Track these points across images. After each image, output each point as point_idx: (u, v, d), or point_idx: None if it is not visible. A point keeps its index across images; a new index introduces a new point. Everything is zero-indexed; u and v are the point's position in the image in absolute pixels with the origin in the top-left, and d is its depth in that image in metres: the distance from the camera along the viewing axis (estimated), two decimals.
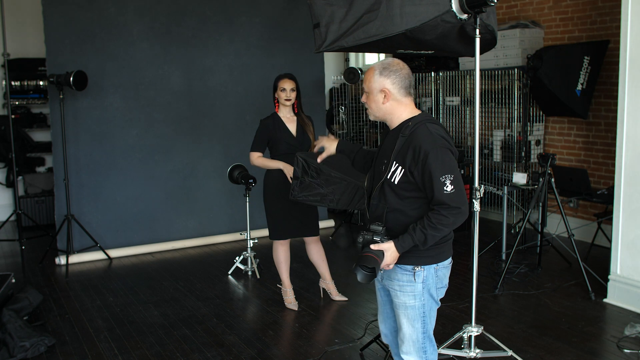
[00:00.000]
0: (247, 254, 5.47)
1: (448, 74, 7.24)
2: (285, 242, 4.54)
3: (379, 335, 3.81)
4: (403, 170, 2.42)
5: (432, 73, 7.40)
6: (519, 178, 5.57)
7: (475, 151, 3.49)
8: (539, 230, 5.53)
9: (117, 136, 6.07)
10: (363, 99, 2.58)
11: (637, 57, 4.23)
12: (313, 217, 4.49)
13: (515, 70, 6.35)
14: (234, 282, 5.28)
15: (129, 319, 4.42)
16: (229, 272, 5.45)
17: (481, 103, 6.76)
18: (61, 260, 5.75)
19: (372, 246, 2.39)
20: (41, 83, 7.58)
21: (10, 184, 7.55)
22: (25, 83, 7.56)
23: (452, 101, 7.23)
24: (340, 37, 3.22)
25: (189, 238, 6.46)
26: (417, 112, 2.54)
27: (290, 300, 4.61)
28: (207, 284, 5.18)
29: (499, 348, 3.55)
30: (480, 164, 6.73)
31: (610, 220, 4.77)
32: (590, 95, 5.91)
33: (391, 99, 2.49)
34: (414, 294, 2.52)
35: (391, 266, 2.46)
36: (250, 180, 5.22)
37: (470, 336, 3.55)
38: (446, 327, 4.02)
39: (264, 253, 5.80)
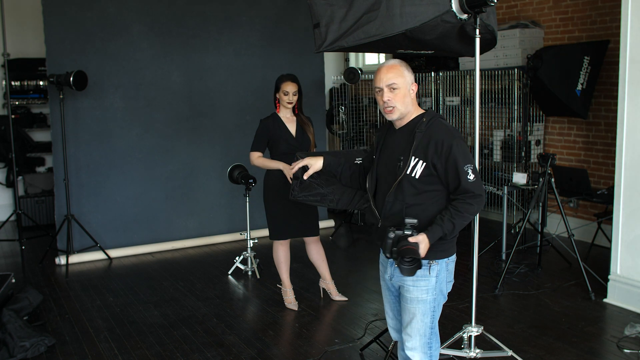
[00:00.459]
0: (247, 254, 5.47)
1: (448, 74, 7.24)
2: (285, 242, 4.54)
3: (379, 335, 3.81)
4: (425, 164, 2.48)
5: (432, 73, 7.40)
6: (519, 178, 5.57)
7: (475, 151, 3.50)
8: (539, 230, 5.53)
9: (117, 136, 6.07)
10: (387, 97, 2.53)
11: (637, 57, 4.23)
12: (313, 217, 4.49)
13: (515, 70, 6.35)
14: (234, 282, 5.28)
15: (129, 319, 4.42)
16: (229, 272, 5.45)
17: (481, 103, 6.76)
18: (61, 260, 5.75)
19: (410, 239, 2.41)
20: (41, 83, 7.58)
21: (10, 184, 7.55)
22: (25, 83, 7.55)
23: (452, 101, 7.23)
24: (340, 37, 3.22)
25: (189, 238, 6.46)
26: (420, 109, 2.62)
27: (290, 300, 4.61)
28: (207, 284, 5.18)
29: (499, 348, 3.55)
30: (480, 164, 6.72)
31: (610, 220, 4.77)
32: (590, 95, 5.91)
33: (414, 94, 2.59)
34: (427, 288, 2.58)
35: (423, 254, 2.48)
36: (250, 180, 5.22)
37: (470, 336, 3.55)
38: (446, 327, 4.02)
39: (264, 253, 5.81)
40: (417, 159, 2.49)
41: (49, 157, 7.33)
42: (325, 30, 3.25)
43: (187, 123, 6.39)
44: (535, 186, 5.23)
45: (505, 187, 5.65)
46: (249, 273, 5.43)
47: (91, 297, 4.90)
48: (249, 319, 4.48)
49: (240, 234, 5.84)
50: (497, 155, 6.69)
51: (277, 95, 4.40)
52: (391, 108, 2.55)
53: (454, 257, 2.66)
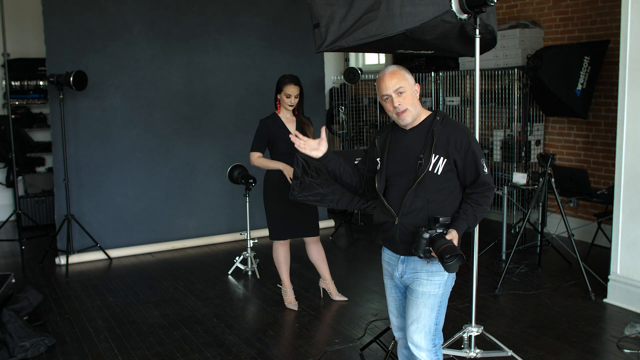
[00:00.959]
0: (247, 254, 5.47)
1: (448, 74, 7.24)
2: (285, 242, 4.54)
3: (379, 335, 3.82)
4: (445, 160, 2.57)
5: (432, 73, 7.40)
6: (519, 178, 5.57)
7: None
8: (539, 230, 5.53)
9: (117, 136, 6.07)
10: (397, 102, 2.58)
11: (637, 57, 4.23)
12: (313, 217, 4.49)
13: (515, 70, 6.35)
14: (234, 282, 5.28)
15: (129, 319, 4.42)
16: (229, 272, 5.45)
17: (481, 103, 6.76)
18: (61, 260, 5.75)
19: (447, 236, 2.46)
20: (41, 83, 7.57)
21: (10, 184, 7.55)
22: (25, 83, 7.55)
23: (452, 101, 7.23)
24: (340, 37, 3.22)
25: (189, 238, 6.46)
26: (426, 110, 2.72)
27: (290, 300, 4.61)
28: (207, 284, 5.18)
29: (499, 348, 3.55)
30: None
31: (610, 220, 4.77)
32: (590, 95, 5.91)
33: (418, 95, 2.67)
34: (440, 283, 2.64)
35: None
36: (250, 180, 5.22)
37: (470, 336, 3.55)
38: (446, 327, 4.00)
39: (264, 253, 5.81)
40: (437, 156, 2.58)
41: (49, 157, 7.33)
42: (325, 30, 3.25)
43: (187, 123, 6.39)
44: (535, 186, 5.23)
45: (505, 187, 5.65)
46: (249, 273, 5.43)
47: (91, 297, 4.90)
48: (249, 319, 4.48)
49: (240, 234, 5.84)
50: (497, 155, 6.69)
51: (279, 97, 4.39)
52: (404, 110, 2.60)
53: None
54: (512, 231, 6.40)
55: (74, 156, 5.85)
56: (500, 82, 6.60)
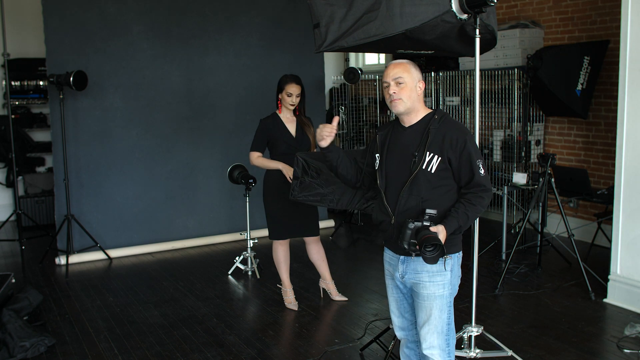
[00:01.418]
0: (247, 254, 5.47)
1: (448, 74, 7.24)
2: (285, 242, 4.54)
3: (379, 335, 3.81)
4: (440, 158, 2.57)
5: (432, 73, 7.40)
6: (519, 178, 5.57)
7: None
8: (539, 230, 5.53)
9: (117, 136, 6.07)
10: (392, 90, 2.61)
11: (637, 57, 4.23)
12: (313, 217, 4.49)
13: (515, 70, 6.35)
14: (234, 282, 5.28)
15: (129, 319, 4.42)
16: (229, 272, 5.45)
17: (481, 103, 6.76)
18: (61, 260, 5.75)
19: (432, 229, 2.46)
20: (41, 83, 7.57)
21: (10, 184, 7.55)
22: (25, 83, 7.55)
23: (452, 101, 7.23)
24: (340, 37, 3.22)
25: (189, 238, 6.46)
26: (428, 108, 2.72)
27: (290, 300, 4.61)
28: (207, 284, 5.18)
29: (499, 348, 3.55)
30: None
31: (610, 220, 4.77)
32: (590, 95, 5.91)
33: (421, 93, 2.67)
34: (444, 283, 2.64)
35: None
36: (250, 180, 5.22)
37: (470, 336, 3.56)
38: None
39: (264, 253, 5.81)
40: (432, 154, 2.58)
41: (49, 157, 7.33)
42: (325, 30, 3.25)
43: (187, 123, 6.39)
44: (535, 186, 5.23)
45: (505, 187, 5.65)
46: (249, 273, 5.43)
47: (91, 297, 4.90)
48: (249, 319, 4.48)
49: (240, 234, 5.84)
50: (497, 155, 6.69)
51: (280, 96, 4.39)
52: (396, 99, 2.61)
53: (461, 253, 2.75)
54: (512, 231, 6.40)
55: (74, 156, 5.85)
56: (500, 82, 6.60)
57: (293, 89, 4.33)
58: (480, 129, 6.87)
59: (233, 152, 6.41)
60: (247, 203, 5.49)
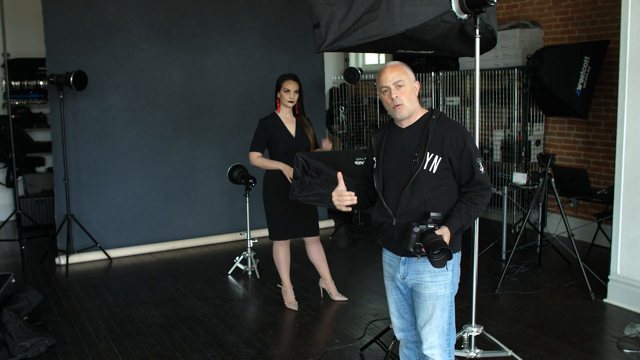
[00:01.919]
0: (247, 254, 5.47)
1: (448, 74, 7.24)
2: (285, 243, 4.54)
3: (379, 335, 3.81)
4: (441, 158, 2.57)
5: (432, 73, 7.40)
6: (519, 178, 5.57)
7: None
8: (539, 230, 5.53)
9: (117, 136, 6.07)
10: (395, 94, 2.60)
11: (637, 57, 4.23)
12: (313, 217, 4.49)
13: (515, 70, 6.35)
14: (234, 282, 5.28)
15: (129, 319, 4.42)
16: (229, 272, 5.45)
17: (481, 103, 6.76)
18: (61, 260, 5.75)
19: (437, 232, 2.45)
20: (41, 83, 7.57)
21: (10, 184, 7.55)
22: (25, 83, 7.55)
23: (452, 101, 7.23)
24: (340, 37, 3.22)
25: (189, 238, 6.46)
26: (423, 108, 2.71)
27: (290, 300, 4.61)
28: (207, 284, 5.18)
29: (499, 348, 3.55)
30: None
31: (610, 220, 4.77)
32: (590, 95, 5.91)
33: (417, 93, 2.68)
34: (445, 283, 2.64)
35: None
36: (250, 180, 5.23)
37: (470, 336, 3.56)
38: None
39: (264, 253, 5.81)
40: (432, 154, 2.58)
41: (49, 157, 7.33)
42: (325, 30, 3.25)
43: (187, 123, 6.39)
44: (535, 186, 5.23)
45: (505, 187, 5.65)
46: (249, 273, 5.43)
47: (91, 297, 4.90)
48: (249, 319, 4.48)
49: (240, 234, 5.85)
50: (497, 155, 6.69)
51: (278, 94, 4.39)
52: (399, 104, 2.60)
53: (460, 252, 2.76)
54: (512, 231, 6.40)
55: (74, 156, 5.85)
56: (500, 82, 6.60)
57: (290, 85, 4.33)
58: (480, 129, 6.88)
59: (233, 152, 6.41)
60: (247, 203, 5.49)
